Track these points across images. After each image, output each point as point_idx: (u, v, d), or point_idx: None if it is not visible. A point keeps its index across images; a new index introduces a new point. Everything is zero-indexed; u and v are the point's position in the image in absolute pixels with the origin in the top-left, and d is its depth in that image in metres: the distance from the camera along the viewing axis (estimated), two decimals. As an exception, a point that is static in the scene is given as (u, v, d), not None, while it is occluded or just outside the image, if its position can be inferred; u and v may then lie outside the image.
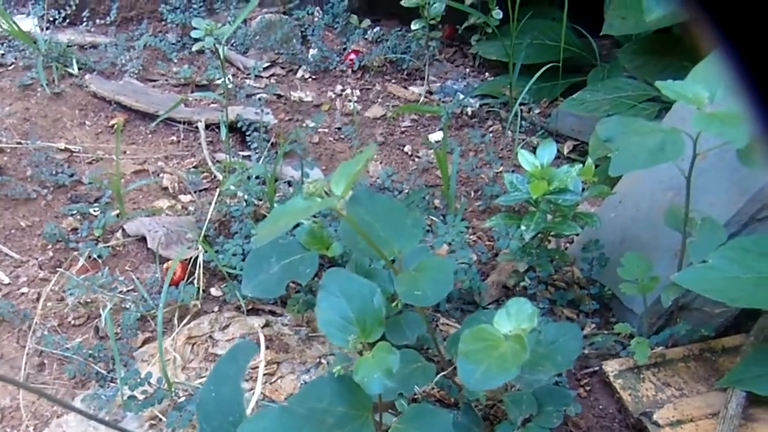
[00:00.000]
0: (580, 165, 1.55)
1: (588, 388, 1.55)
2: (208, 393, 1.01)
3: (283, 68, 2.43)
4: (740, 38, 0.35)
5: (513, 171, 1.89)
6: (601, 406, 1.52)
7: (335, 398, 1.16)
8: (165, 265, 1.64)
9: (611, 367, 1.54)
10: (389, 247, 1.27)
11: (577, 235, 1.80)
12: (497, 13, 2.29)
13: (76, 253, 1.69)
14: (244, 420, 0.95)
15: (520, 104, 2.21)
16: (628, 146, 1.34)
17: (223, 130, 1.85)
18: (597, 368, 1.57)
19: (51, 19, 2.45)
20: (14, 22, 2.24)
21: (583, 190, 1.60)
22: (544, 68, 2.12)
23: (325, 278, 1.17)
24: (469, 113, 2.27)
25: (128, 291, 1.61)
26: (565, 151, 2.14)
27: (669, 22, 1.89)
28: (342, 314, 1.14)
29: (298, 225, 1.52)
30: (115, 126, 2.03)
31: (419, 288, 1.26)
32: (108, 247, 1.70)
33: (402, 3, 2.21)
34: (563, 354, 1.28)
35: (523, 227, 1.53)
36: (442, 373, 1.34)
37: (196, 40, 2.00)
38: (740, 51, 0.35)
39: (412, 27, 2.31)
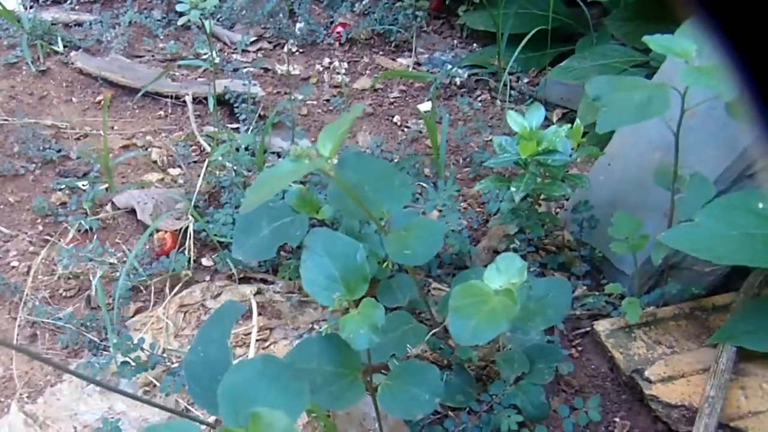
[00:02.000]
0: (569, 126, 1.55)
1: (580, 348, 1.55)
2: (196, 354, 1.01)
3: (270, 42, 2.42)
4: (740, 38, 0.35)
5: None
6: (593, 366, 1.52)
7: (324, 357, 1.17)
8: (155, 236, 1.63)
9: (602, 326, 1.55)
10: (378, 207, 1.27)
11: (567, 199, 1.81)
12: (485, -17, 2.28)
13: (65, 225, 1.68)
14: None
15: (509, 74, 2.21)
16: (614, 102, 1.35)
17: (211, 102, 1.85)
18: (588, 329, 1.57)
19: (35, -3, 2.43)
20: (-2, 1, 2.23)
21: (573, 153, 1.60)
22: (529, 35, 2.11)
23: (308, 238, 1.16)
24: (458, 83, 2.27)
25: (119, 262, 1.60)
26: (554, 119, 2.14)
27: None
28: (326, 273, 1.13)
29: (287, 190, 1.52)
30: (102, 101, 2.02)
31: (408, 247, 1.26)
32: (97, 219, 1.70)
33: (388, -27, 2.20)
34: (553, 308, 1.29)
35: (513, 189, 1.53)
36: (433, 331, 1.35)
37: (182, 14, 1.98)
38: (740, 51, 0.35)
39: (399, -4, 2.30)
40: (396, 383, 1.20)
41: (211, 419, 1.17)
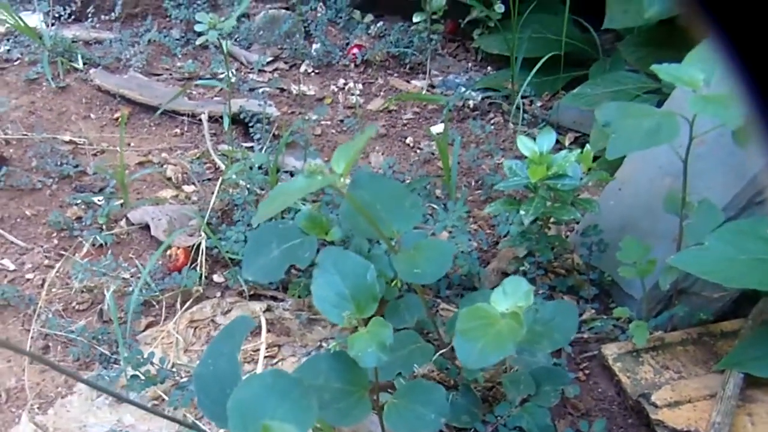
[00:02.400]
0: (579, 150, 1.57)
1: (587, 371, 1.56)
2: (206, 367, 1.03)
3: (286, 63, 2.46)
4: (740, 38, 0.36)
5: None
6: (600, 389, 1.53)
7: (331, 374, 1.18)
8: (168, 252, 1.65)
9: (610, 350, 1.55)
10: (388, 227, 1.29)
11: (577, 222, 1.82)
12: (499, 7, 2.30)
13: (80, 239, 1.71)
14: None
15: (522, 97, 2.23)
16: (624, 129, 1.36)
17: (226, 120, 1.88)
18: (596, 352, 1.58)
19: (56, 15, 2.48)
20: (20, 18, 2.27)
21: (583, 178, 1.61)
22: (543, 60, 2.14)
23: (320, 256, 1.19)
24: (471, 106, 2.29)
25: (132, 277, 1.63)
26: (567, 143, 2.16)
27: (668, 13, 1.90)
28: (337, 291, 1.16)
29: (298, 211, 1.54)
30: (120, 118, 2.05)
31: (418, 266, 1.27)
32: (112, 234, 1.72)
33: (404, -4, 2.23)
34: (560, 332, 1.30)
35: (522, 212, 1.54)
36: (440, 352, 1.36)
37: (200, 34, 2.02)
38: (740, 51, 0.36)
39: (414, 19, 2.33)
40: (402, 402, 1.21)
41: (219, 433, 1.18)
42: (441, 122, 2.20)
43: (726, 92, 1.29)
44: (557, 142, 1.77)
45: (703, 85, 1.30)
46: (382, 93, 2.35)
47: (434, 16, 2.35)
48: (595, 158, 1.84)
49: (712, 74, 1.31)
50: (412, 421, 1.19)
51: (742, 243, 1.33)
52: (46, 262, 1.67)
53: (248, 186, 1.77)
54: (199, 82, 2.20)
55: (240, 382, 1.01)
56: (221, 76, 2.25)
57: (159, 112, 2.06)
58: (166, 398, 1.38)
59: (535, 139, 1.56)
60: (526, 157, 1.55)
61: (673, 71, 1.33)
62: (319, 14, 2.55)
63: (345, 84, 2.38)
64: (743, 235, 1.34)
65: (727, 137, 1.47)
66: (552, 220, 1.68)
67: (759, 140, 0.41)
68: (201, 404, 1.02)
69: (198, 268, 1.63)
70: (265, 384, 0.93)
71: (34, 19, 2.42)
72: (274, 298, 1.61)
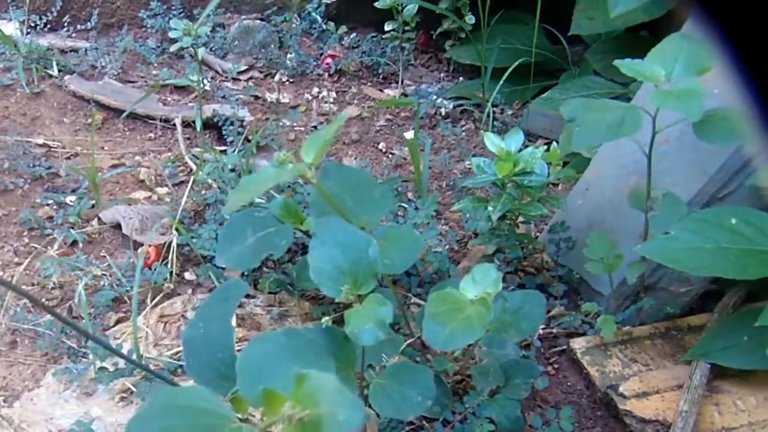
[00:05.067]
0: (545, 147, 1.60)
1: (556, 365, 1.57)
2: (196, 330, 0.97)
3: (261, 72, 2.48)
4: (740, 38, 0.37)
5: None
6: (569, 383, 1.54)
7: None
8: (139, 250, 1.65)
9: (578, 344, 1.57)
10: (358, 218, 1.30)
11: (545, 220, 1.85)
12: (470, 18, 2.34)
13: (51, 237, 1.70)
14: (234, 356, 0.92)
15: (494, 106, 2.27)
16: (588, 122, 1.39)
17: (198, 122, 1.89)
18: (565, 347, 1.59)
19: (32, 24, 2.48)
20: (-5, 26, 2.28)
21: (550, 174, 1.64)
22: (511, 68, 2.18)
23: (317, 226, 1.14)
24: (443, 113, 2.32)
25: (103, 275, 1.62)
26: (537, 149, 2.19)
27: (633, 21, 1.95)
28: (335, 264, 1.09)
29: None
30: (94, 118, 2.06)
31: (387, 256, 1.29)
32: (83, 233, 1.72)
33: (376, 5, 2.26)
34: (528, 320, 1.31)
35: (490, 208, 1.56)
36: (409, 341, 1.36)
37: (174, 41, 2.04)
38: (740, 50, 0.38)
39: (386, 28, 2.37)
40: (389, 383, 1.20)
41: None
42: (413, 128, 2.22)
43: (686, 86, 1.33)
44: (526, 146, 1.80)
45: (664, 80, 1.33)
46: (355, 101, 2.38)
47: (406, 27, 2.39)
48: (564, 164, 1.88)
49: (673, 70, 1.35)
50: (398, 402, 1.17)
51: (707, 232, 1.36)
52: (16, 259, 1.66)
53: (220, 186, 1.78)
54: (169, 81, 2.21)
55: (232, 347, 0.98)
56: (196, 81, 2.26)
57: (126, 113, 2.06)
58: (135, 390, 1.37)
59: (502, 137, 1.59)
60: (494, 156, 1.58)
61: (635, 66, 1.36)
62: (293, 25, 2.58)
63: (319, 92, 2.41)
64: (708, 225, 1.37)
65: (691, 135, 1.51)
66: (521, 219, 1.70)
67: (758, 137, 0.43)
68: (189, 368, 0.97)
69: (169, 265, 1.63)
70: (279, 343, 0.89)
71: (9, 28, 2.42)
72: (246, 295, 1.61)
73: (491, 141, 1.57)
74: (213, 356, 0.92)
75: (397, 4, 2.27)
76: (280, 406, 0.69)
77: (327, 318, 1.12)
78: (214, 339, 0.95)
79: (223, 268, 1.62)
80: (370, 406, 1.19)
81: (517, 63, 2.20)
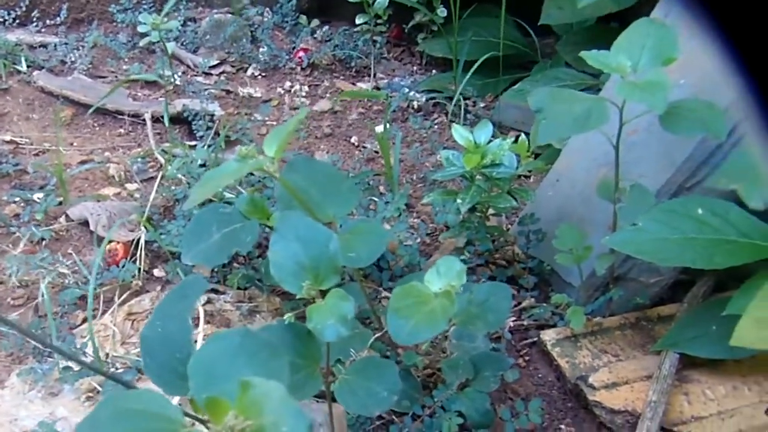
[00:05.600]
0: (513, 139, 1.60)
1: (527, 358, 1.57)
2: (154, 329, 0.94)
3: (233, 66, 2.46)
4: (741, 37, 0.36)
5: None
6: (540, 375, 1.54)
7: (284, 346, 1.14)
8: (107, 247, 1.63)
9: (549, 336, 1.57)
10: (324, 211, 1.29)
11: (516, 213, 1.85)
12: (442, 11, 2.34)
13: (17, 235, 1.68)
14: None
15: (466, 98, 2.27)
16: (555, 114, 1.38)
17: (166, 117, 1.87)
18: (535, 339, 1.59)
19: (1, 19, 2.45)
20: (-39, 21, 2.25)
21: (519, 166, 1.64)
22: (480, 61, 2.18)
23: (279, 221, 1.12)
24: (415, 106, 2.32)
25: (69, 272, 1.60)
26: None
27: (601, 10, 1.95)
28: (295, 259, 1.08)
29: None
30: (59, 114, 2.03)
31: (353, 250, 1.27)
32: (50, 230, 1.70)
33: (347, -3, 2.25)
34: (494, 312, 1.30)
35: (459, 200, 1.56)
36: (376, 335, 1.36)
37: (144, 35, 2.02)
38: (740, 50, 0.37)
39: (357, 21, 2.36)
40: (354, 378, 1.19)
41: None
42: (384, 122, 2.22)
43: (652, 78, 1.33)
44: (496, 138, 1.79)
45: (630, 71, 1.33)
46: (328, 95, 2.37)
47: (378, 20, 2.38)
48: (536, 156, 1.88)
49: (640, 60, 1.35)
50: (363, 398, 1.16)
51: (675, 222, 1.36)
52: (-19, 258, 1.64)
53: (189, 182, 1.77)
54: (138, 77, 2.19)
55: (190, 346, 0.95)
56: (167, 78, 2.24)
57: (93, 108, 2.04)
58: (101, 389, 1.36)
59: (471, 130, 1.59)
60: (463, 149, 1.57)
61: (601, 58, 1.36)
62: (265, 19, 2.56)
63: (291, 87, 2.39)
64: (675, 215, 1.38)
65: (659, 126, 1.52)
66: (491, 211, 1.70)
67: (757, 134, 0.42)
68: (147, 369, 0.93)
69: (137, 262, 1.61)
70: (232, 343, 0.85)
71: (-25, 24, 2.39)
72: (215, 291, 1.60)
73: (459, 133, 1.57)
74: (171, 356, 0.90)
75: (368, -4, 2.26)
76: (224, 415, 0.68)
77: (290, 314, 1.11)
78: (172, 338, 0.93)
79: (193, 265, 1.60)
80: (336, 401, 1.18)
81: (486, 56, 2.20)
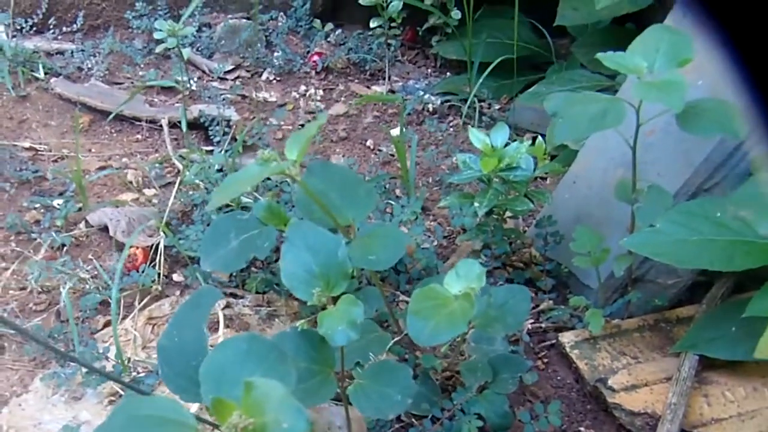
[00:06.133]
0: (530, 142, 1.60)
1: (546, 360, 1.57)
2: (170, 338, 0.98)
3: (248, 71, 2.47)
4: (741, 37, 0.37)
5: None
6: (558, 377, 1.54)
7: (298, 353, 1.16)
8: (127, 252, 1.65)
9: (567, 338, 1.57)
10: (343, 215, 1.30)
11: (533, 215, 1.85)
12: (456, 14, 2.34)
13: (38, 241, 1.70)
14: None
15: (481, 100, 2.27)
16: (571, 114, 1.39)
17: (184, 122, 1.89)
18: (554, 341, 1.59)
19: (18, 27, 2.47)
20: (-20, 29, 2.27)
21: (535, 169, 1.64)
22: (495, 63, 2.18)
23: (289, 230, 1.16)
24: (430, 109, 2.32)
25: (90, 277, 1.62)
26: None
27: (618, 11, 1.95)
28: (306, 267, 1.12)
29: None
30: (77, 120, 2.05)
31: (372, 253, 1.28)
32: (70, 236, 1.71)
33: (361, 2, 2.26)
34: (513, 315, 1.31)
35: (476, 204, 1.56)
36: (395, 339, 1.36)
37: (160, 42, 2.04)
38: (741, 49, 0.37)
39: (371, 24, 2.36)
40: (368, 383, 1.21)
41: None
42: (400, 125, 2.22)
43: (668, 78, 1.32)
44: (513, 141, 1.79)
45: (646, 72, 1.33)
46: (343, 98, 2.38)
47: (392, 23, 2.38)
48: (552, 157, 1.88)
49: (655, 61, 1.35)
50: (378, 401, 1.18)
51: (693, 224, 1.36)
52: (3, 264, 1.65)
53: (207, 187, 1.78)
54: (154, 83, 2.21)
55: (206, 354, 0.98)
56: (183, 82, 2.26)
57: (112, 116, 2.06)
58: (123, 394, 1.37)
59: (489, 134, 1.59)
60: (480, 152, 1.58)
61: (617, 59, 1.36)
62: (279, 23, 2.58)
63: (306, 90, 2.40)
64: (693, 217, 1.37)
65: (676, 126, 1.51)
66: (508, 213, 1.70)
67: (758, 133, 0.42)
68: (164, 377, 0.97)
69: (157, 267, 1.63)
70: (241, 349, 0.89)
71: (-6, 31, 2.42)
72: (234, 295, 1.61)
73: (476, 137, 1.57)
74: (187, 364, 0.93)
75: (383, 1, 2.27)
76: (229, 415, 0.70)
77: (302, 321, 1.14)
78: (187, 347, 0.96)
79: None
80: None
81: (500, 59, 2.20)
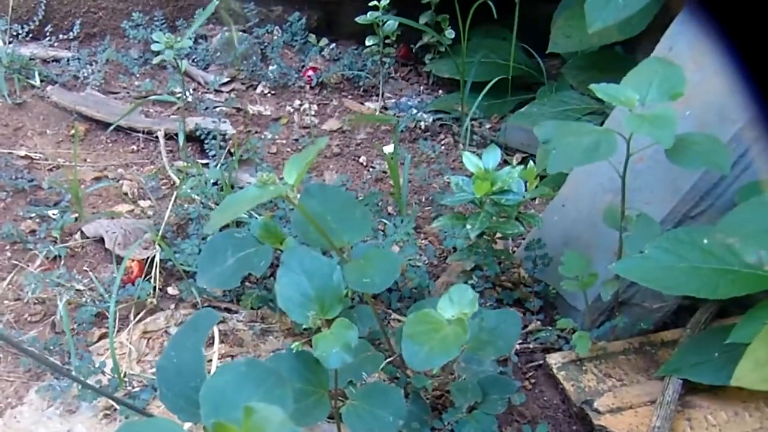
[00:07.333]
0: (523, 166, 1.63)
1: (533, 380, 1.61)
2: (169, 360, 1.01)
3: (243, 84, 2.50)
4: (741, 37, 0.38)
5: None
6: (545, 398, 1.58)
7: (293, 374, 1.20)
8: (121, 265, 1.66)
9: (554, 359, 1.61)
10: (339, 237, 1.33)
11: (522, 236, 1.88)
12: (450, 33, 2.38)
13: (34, 252, 1.71)
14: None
15: (472, 119, 2.31)
16: (565, 145, 1.42)
17: (181, 136, 1.91)
18: (541, 362, 1.63)
19: (14, 33, 2.48)
20: (-24, 35, 2.28)
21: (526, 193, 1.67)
22: (491, 84, 2.22)
23: (285, 255, 1.19)
24: (423, 127, 2.36)
25: (85, 289, 1.64)
26: (514, 163, 2.23)
27: (608, 39, 2.00)
28: (301, 291, 1.17)
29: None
30: (76, 132, 2.07)
31: (367, 276, 1.31)
32: (66, 247, 1.73)
33: (357, 20, 2.29)
34: (504, 339, 1.34)
35: (468, 226, 1.59)
36: (389, 360, 1.39)
37: (157, 53, 2.06)
38: (741, 49, 0.39)
39: (367, 42, 2.40)
40: (361, 404, 1.24)
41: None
42: (392, 142, 2.26)
43: (659, 112, 1.36)
44: (505, 162, 1.83)
45: (638, 104, 1.37)
46: (336, 114, 2.41)
47: (387, 41, 2.42)
48: (541, 177, 1.91)
49: (647, 94, 1.39)
50: (370, 422, 1.21)
51: (680, 251, 1.40)
52: (-1, 274, 1.67)
53: (203, 201, 1.80)
54: (153, 97, 2.23)
55: (204, 375, 1.01)
56: (179, 94, 2.28)
57: (112, 127, 2.08)
58: (118, 408, 1.39)
59: (480, 156, 1.62)
60: (472, 174, 1.61)
61: (610, 91, 1.40)
62: (275, 37, 2.60)
63: (300, 105, 2.43)
64: (681, 244, 1.41)
65: (663, 155, 1.55)
66: (498, 234, 1.74)
67: (759, 135, 0.44)
68: (163, 397, 1.00)
69: (152, 280, 1.65)
70: (239, 372, 0.92)
71: (-10, 38, 2.42)
72: (228, 310, 1.63)
73: (469, 160, 1.60)
74: (185, 385, 0.96)
75: (378, 20, 2.30)
76: None
77: (297, 343, 1.17)
78: (186, 368, 0.99)
79: (205, 284, 1.63)
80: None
81: (496, 79, 2.24)
